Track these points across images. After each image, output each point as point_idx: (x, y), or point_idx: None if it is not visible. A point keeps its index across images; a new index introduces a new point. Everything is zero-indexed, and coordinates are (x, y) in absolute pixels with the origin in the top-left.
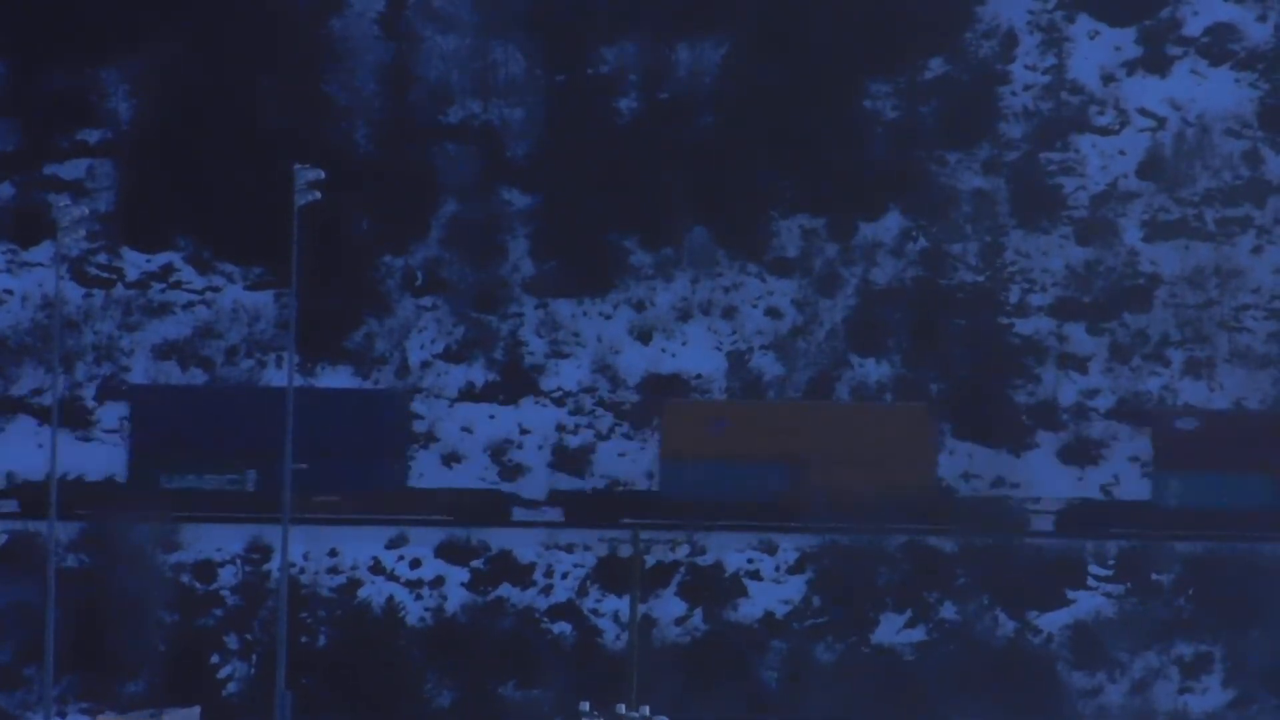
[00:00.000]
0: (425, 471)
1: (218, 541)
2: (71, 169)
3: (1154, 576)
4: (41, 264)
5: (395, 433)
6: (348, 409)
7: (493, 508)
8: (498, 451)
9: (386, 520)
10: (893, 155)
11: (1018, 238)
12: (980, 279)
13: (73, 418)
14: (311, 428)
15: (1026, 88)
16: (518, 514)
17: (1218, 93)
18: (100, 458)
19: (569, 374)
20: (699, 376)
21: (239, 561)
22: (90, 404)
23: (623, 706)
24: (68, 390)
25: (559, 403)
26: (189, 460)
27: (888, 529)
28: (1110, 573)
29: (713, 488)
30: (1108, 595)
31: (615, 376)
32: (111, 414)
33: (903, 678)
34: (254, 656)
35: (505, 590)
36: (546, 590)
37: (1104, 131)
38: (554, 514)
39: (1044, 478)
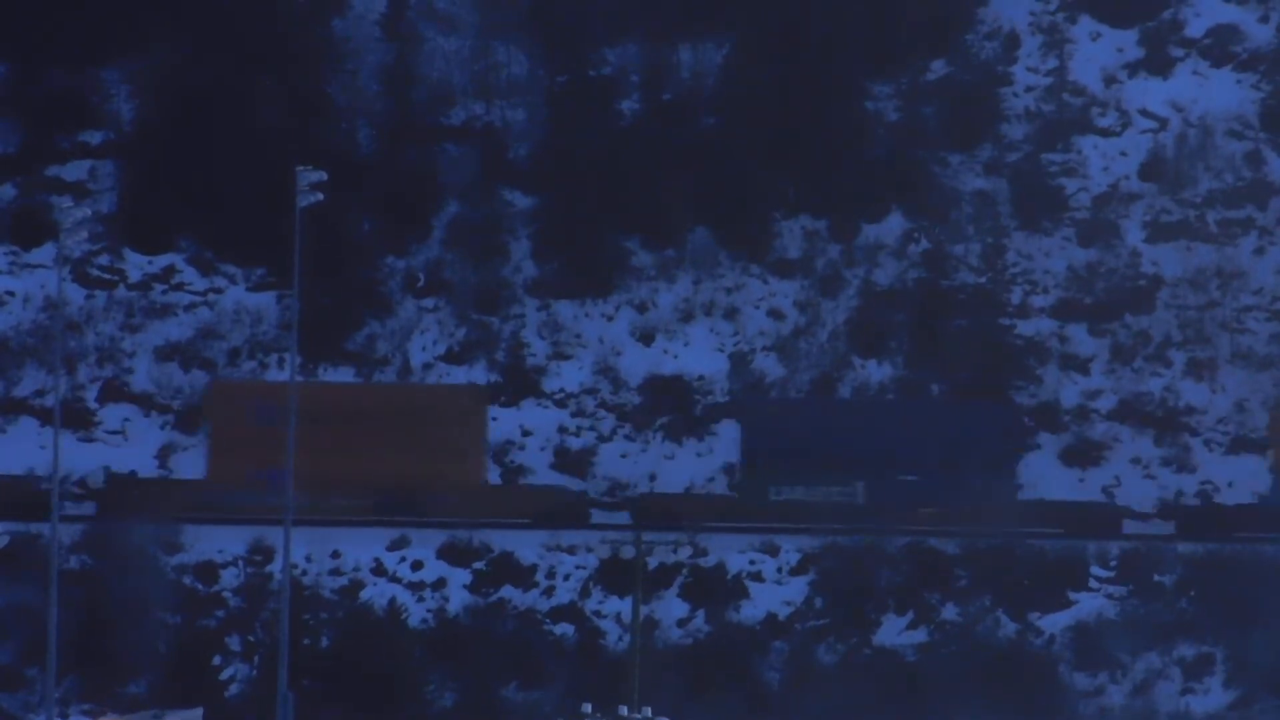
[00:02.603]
0: None
1: (219, 543)
2: (73, 170)
3: (1156, 577)
4: (43, 265)
5: (1004, 445)
6: (956, 420)
7: (1104, 520)
8: (499, 453)
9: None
10: (895, 156)
11: (1019, 239)
12: (982, 280)
13: (73, 418)
14: (920, 439)
15: (1028, 89)
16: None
17: (1219, 94)
18: (100, 458)
19: (571, 375)
20: (701, 378)
21: (241, 563)
22: (94, 405)
23: (625, 708)
24: (69, 392)
25: (560, 404)
26: (797, 472)
27: None
28: (1112, 574)
29: None
30: (1109, 596)
31: (617, 378)
32: (114, 415)
33: (905, 679)
34: (256, 658)
35: (507, 592)
36: (548, 592)
37: (1106, 133)
38: (1164, 527)
39: (1045, 479)
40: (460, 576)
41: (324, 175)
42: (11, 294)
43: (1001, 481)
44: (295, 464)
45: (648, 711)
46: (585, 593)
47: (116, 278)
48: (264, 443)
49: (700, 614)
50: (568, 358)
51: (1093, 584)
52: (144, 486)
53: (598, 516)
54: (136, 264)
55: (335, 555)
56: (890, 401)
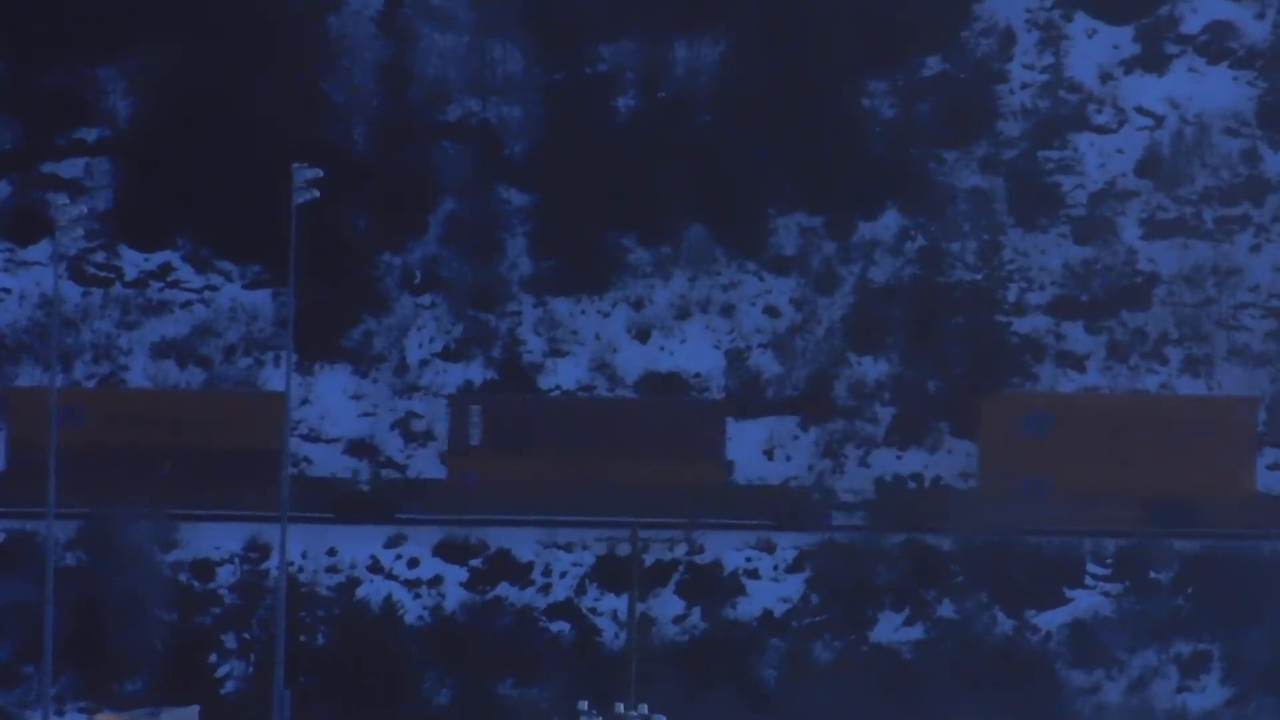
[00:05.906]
0: (423, 470)
1: (216, 540)
2: (69, 168)
3: (1152, 575)
4: (40, 263)
5: None
6: None
7: None
8: None
9: None
10: (891, 153)
11: (1016, 236)
12: (978, 277)
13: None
14: None
15: (1024, 86)
16: None
17: (1216, 91)
18: None
19: (567, 372)
20: (697, 375)
21: (237, 560)
22: None
23: (621, 705)
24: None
25: None
26: None
27: None
28: (1108, 571)
29: None
30: (1106, 594)
31: (613, 375)
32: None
33: (901, 676)
34: (252, 655)
35: (504, 589)
36: (545, 589)
37: (1102, 130)
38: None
39: None
40: (457, 574)
41: (320, 172)
42: (8, 291)
43: None
44: (1063, 474)
45: (644, 709)
46: (582, 590)
47: (113, 275)
48: (1033, 453)
49: (696, 611)
50: (564, 355)
51: (1089, 581)
52: (913, 496)
53: None
54: (133, 261)
55: (332, 553)
56: None
